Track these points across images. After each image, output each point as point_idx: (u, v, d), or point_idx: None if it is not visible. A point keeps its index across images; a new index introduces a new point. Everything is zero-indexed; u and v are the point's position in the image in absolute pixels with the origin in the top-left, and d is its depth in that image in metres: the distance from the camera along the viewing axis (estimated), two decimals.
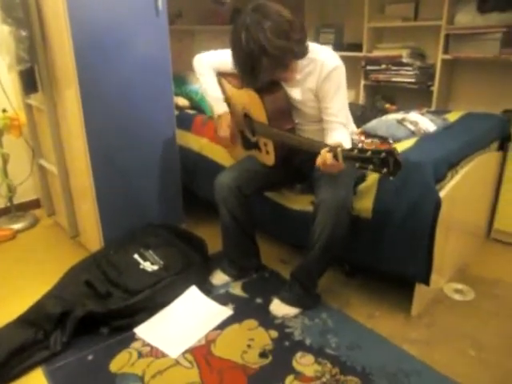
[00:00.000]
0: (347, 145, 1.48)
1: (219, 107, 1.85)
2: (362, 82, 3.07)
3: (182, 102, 2.68)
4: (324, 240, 1.58)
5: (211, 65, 1.82)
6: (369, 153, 1.19)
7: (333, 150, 1.31)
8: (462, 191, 1.82)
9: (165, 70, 2.10)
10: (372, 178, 1.71)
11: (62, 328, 1.59)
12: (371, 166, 1.19)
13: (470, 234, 2.23)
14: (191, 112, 2.64)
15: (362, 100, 3.09)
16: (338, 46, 3.18)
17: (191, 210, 2.48)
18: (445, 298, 1.89)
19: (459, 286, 1.97)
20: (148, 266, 1.91)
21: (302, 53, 1.53)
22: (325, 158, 1.32)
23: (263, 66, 1.44)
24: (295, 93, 1.67)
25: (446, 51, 2.64)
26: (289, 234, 2.02)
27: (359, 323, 1.72)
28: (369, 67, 2.98)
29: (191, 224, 2.40)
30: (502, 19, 2.36)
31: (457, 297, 1.90)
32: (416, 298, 1.74)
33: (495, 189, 2.32)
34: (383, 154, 1.16)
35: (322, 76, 1.57)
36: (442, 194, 1.63)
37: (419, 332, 1.69)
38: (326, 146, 1.37)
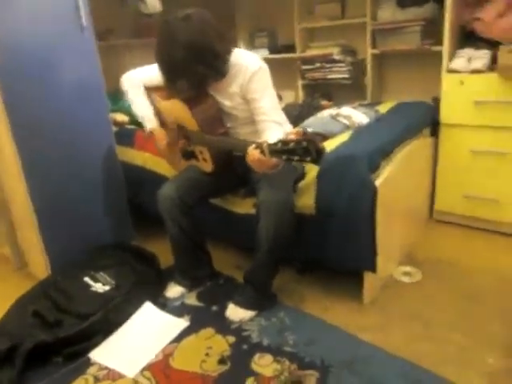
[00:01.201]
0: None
1: (149, 123, 1.87)
2: (300, 82, 3.13)
3: (120, 117, 2.64)
4: (269, 241, 1.60)
5: (139, 81, 1.83)
6: (292, 144, 1.23)
7: (259, 146, 1.34)
8: (398, 178, 1.90)
9: (97, 88, 2.06)
10: (311, 174, 1.76)
11: (11, 364, 1.52)
12: (296, 157, 1.23)
13: (413, 218, 2.33)
14: (131, 127, 2.61)
15: (301, 99, 3.15)
16: (272, 49, 3.24)
17: (141, 226, 2.44)
18: (394, 282, 1.97)
19: (407, 269, 2.05)
20: (99, 287, 1.87)
21: (221, 75, 1.59)
22: (252, 154, 1.35)
23: (184, 83, 1.48)
24: (223, 98, 1.70)
25: (374, 46, 2.75)
26: (239, 238, 2.04)
27: (315, 318, 1.75)
28: (304, 67, 3.05)
29: (142, 240, 2.37)
30: (420, 13, 2.49)
31: (405, 279, 1.98)
32: (366, 286, 1.80)
33: (432, 172, 2.43)
34: (304, 143, 1.20)
35: (247, 78, 1.60)
36: (377, 182, 1.69)
37: (372, 318, 1.74)
38: (252, 143, 1.40)
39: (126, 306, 1.80)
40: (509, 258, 2.09)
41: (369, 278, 1.78)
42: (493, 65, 2.13)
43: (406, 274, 2.02)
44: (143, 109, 1.86)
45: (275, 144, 1.28)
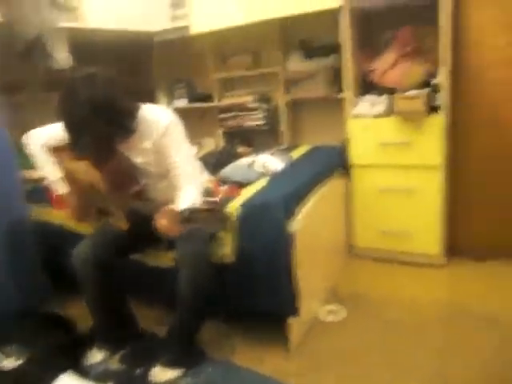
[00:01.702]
0: (195, 200, 1.53)
1: (59, 188, 1.81)
2: (219, 130, 3.21)
3: (36, 174, 2.52)
4: (188, 293, 1.58)
5: (43, 142, 1.75)
6: (198, 213, 1.31)
7: (166, 213, 1.36)
8: (314, 220, 1.97)
9: (3, 146, 1.97)
10: (230, 224, 1.77)
11: None
12: (203, 225, 1.28)
13: (333, 256, 2.42)
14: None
15: (221, 146, 3.21)
16: (191, 99, 3.30)
17: (63, 288, 2.28)
18: (319, 322, 2.00)
19: (332, 307, 2.10)
20: (10, 362, 1.72)
21: (130, 132, 1.58)
22: (159, 222, 1.37)
23: (88, 141, 1.46)
24: (134, 155, 1.69)
25: (287, 93, 2.91)
26: (163, 293, 1.96)
27: (246, 369, 1.73)
28: (222, 115, 3.14)
29: (63, 302, 2.21)
30: (327, 62, 2.69)
31: (330, 318, 2.03)
32: (292, 331, 1.81)
33: (347, 210, 2.55)
34: (210, 212, 1.27)
35: (160, 133, 1.59)
36: (293, 228, 1.74)
37: (302, 363, 1.76)
38: (160, 207, 1.43)
39: (40, 379, 1.66)
40: (423, 287, 2.23)
41: (293, 323, 1.80)
42: (392, 109, 2.33)
43: (331, 312, 2.06)
44: (50, 172, 1.79)
45: (183, 212, 1.35)
